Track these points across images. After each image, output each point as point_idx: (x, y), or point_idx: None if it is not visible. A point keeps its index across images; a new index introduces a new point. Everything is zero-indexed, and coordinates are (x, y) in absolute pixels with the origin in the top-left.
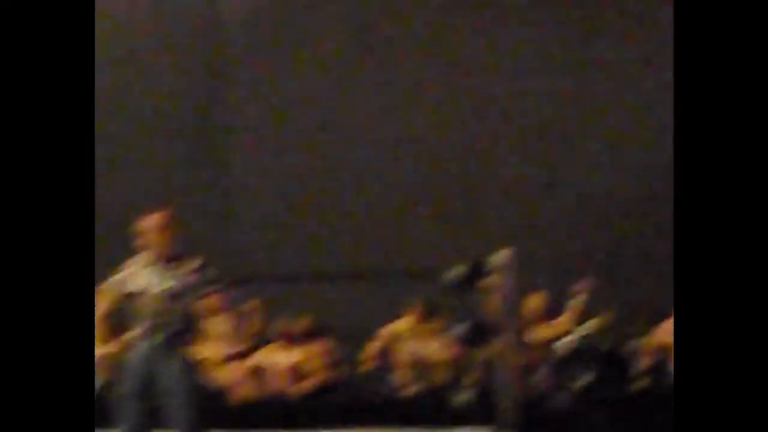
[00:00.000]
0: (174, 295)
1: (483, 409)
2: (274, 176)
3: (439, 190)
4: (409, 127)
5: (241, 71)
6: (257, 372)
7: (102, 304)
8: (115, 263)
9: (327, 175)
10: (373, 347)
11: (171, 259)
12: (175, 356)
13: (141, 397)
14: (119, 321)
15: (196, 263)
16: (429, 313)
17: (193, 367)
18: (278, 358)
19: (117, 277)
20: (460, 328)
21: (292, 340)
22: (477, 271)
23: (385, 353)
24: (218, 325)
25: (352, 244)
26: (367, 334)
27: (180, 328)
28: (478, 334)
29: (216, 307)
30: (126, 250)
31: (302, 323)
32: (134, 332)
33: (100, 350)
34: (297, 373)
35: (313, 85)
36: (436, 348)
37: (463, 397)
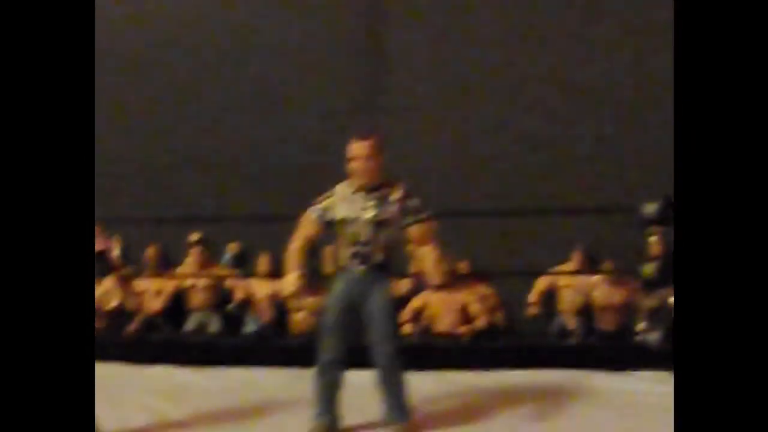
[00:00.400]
0: (379, 224)
1: (659, 353)
2: (432, 116)
3: (606, 126)
4: (579, 69)
5: (400, 13)
6: (420, 313)
7: (304, 232)
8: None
9: (488, 109)
10: (539, 289)
11: (376, 187)
12: (379, 287)
13: (343, 328)
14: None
15: (400, 192)
16: (596, 254)
17: (395, 299)
18: (440, 299)
19: (321, 204)
20: (649, 268)
21: (454, 281)
22: (669, 209)
23: (551, 295)
24: (422, 256)
25: (517, 181)
26: (534, 276)
27: (384, 258)
28: (665, 274)
29: (420, 238)
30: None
31: (464, 264)
32: (338, 261)
33: (297, 280)
34: (460, 315)
35: (476, 28)
36: (606, 290)
37: (636, 340)
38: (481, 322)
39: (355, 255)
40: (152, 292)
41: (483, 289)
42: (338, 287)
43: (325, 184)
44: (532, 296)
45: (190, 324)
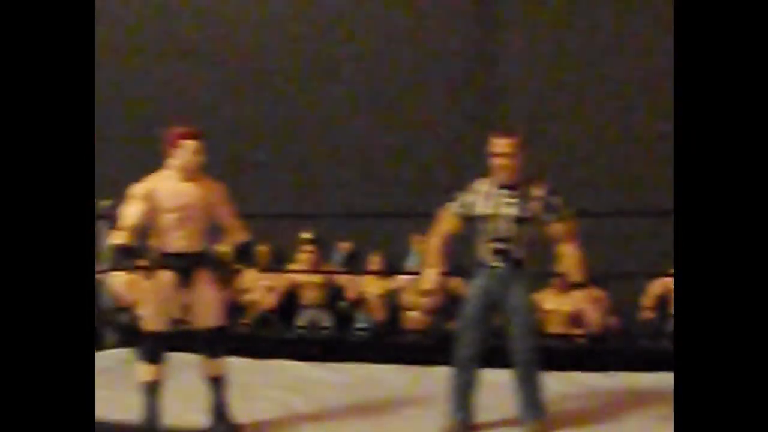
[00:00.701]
0: (520, 221)
1: None
2: (545, 118)
3: None
4: None
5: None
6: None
7: (444, 227)
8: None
9: (602, 109)
10: (654, 293)
11: (517, 184)
12: (520, 284)
13: (481, 324)
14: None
15: (542, 189)
16: None
17: (533, 297)
18: (554, 303)
19: (461, 200)
20: None
21: (567, 285)
22: None
23: (665, 300)
24: (563, 254)
25: (632, 182)
26: (647, 280)
27: (524, 256)
28: None
29: (562, 236)
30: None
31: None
32: (478, 257)
33: (435, 276)
34: (573, 318)
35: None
36: None
37: None
38: (595, 325)
39: (495, 251)
40: (265, 289)
41: (596, 292)
42: (477, 284)
43: (438, 183)
44: (647, 300)
45: (302, 321)
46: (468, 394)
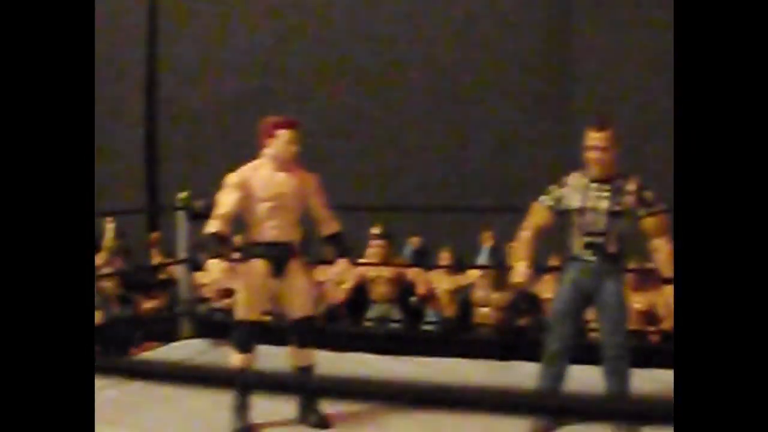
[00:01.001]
0: (613, 215)
1: None
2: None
3: None
4: None
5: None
6: None
7: (536, 221)
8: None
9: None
10: None
11: (610, 178)
12: (613, 278)
13: (572, 318)
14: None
15: (635, 184)
16: None
17: (625, 291)
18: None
19: (553, 194)
20: None
21: (639, 283)
22: None
23: None
24: (655, 248)
25: None
26: None
27: (616, 250)
28: None
29: (654, 230)
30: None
31: (651, 264)
32: (570, 252)
33: (526, 270)
34: (645, 317)
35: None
36: None
37: None
38: (667, 323)
39: (588, 245)
40: (336, 282)
41: (667, 290)
42: (569, 277)
43: (509, 179)
44: None
45: (372, 315)
46: (557, 387)
